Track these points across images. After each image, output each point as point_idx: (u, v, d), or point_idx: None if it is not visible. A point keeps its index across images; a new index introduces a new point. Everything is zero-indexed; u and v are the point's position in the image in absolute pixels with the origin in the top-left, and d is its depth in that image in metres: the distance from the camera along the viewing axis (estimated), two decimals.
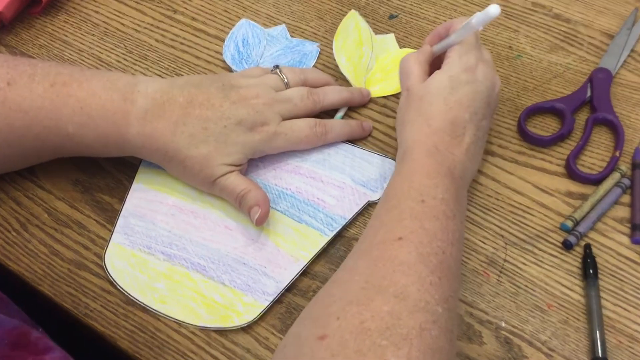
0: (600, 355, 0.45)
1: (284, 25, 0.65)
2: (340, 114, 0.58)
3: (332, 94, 0.57)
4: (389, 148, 0.57)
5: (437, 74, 0.50)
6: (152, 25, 0.66)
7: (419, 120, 0.49)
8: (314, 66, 0.62)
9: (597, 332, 0.46)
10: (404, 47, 0.63)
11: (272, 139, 0.52)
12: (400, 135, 0.50)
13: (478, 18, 0.49)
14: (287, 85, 0.55)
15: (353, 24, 0.63)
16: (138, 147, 0.50)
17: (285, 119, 0.53)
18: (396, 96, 0.60)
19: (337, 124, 0.56)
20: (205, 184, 0.52)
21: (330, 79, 0.58)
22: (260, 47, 0.63)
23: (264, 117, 0.52)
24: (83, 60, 0.63)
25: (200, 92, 0.51)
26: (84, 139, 0.50)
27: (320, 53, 0.62)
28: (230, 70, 0.62)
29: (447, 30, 0.53)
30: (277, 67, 0.56)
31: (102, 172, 0.56)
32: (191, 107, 0.50)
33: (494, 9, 0.48)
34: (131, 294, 0.49)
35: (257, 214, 0.49)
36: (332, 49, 0.61)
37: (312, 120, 0.54)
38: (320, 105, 0.55)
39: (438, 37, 0.54)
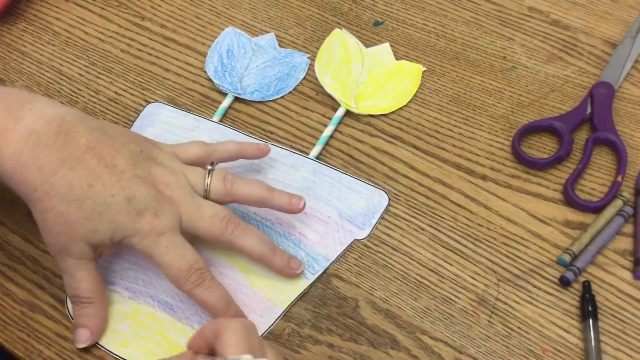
0: None
1: (272, 34, 0.60)
2: (318, 147, 0.53)
3: (252, 238, 0.45)
4: (372, 171, 0.52)
5: None
6: (117, 33, 0.61)
7: None
8: (303, 79, 0.57)
9: None
10: (398, 58, 0.58)
11: (150, 238, 0.43)
12: None
13: None
14: (207, 194, 0.45)
15: (338, 42, 0.58)
16: (8, 173, 0.42)
17: (183, 227, 0.44)
18: (386, 115, 0.55)
19: (217, 292, 0.44)
20: (56, 251, 0.43)
21: (267, 197, 0.46)
22: (246, 58, 0.58)
23: (159, 209, 0.43)
24: (42, 74, 0.58)
25: (109, 144, 0.44)
26: None
27: (309, 65, 0.57)
28: (211, 82, 0.57)
29: (215, 336, 0.37)
30: (213, 165, 0.46)
31: None
32: (89, 154, 0.43)
33: None
34: None
35: (81, 336, 0.44)
36: (314, 59, 0.57)
37: (198, 263, 0.43)
38: (228, 239, 0.45)
39: (204, 341, 0.38)
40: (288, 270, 0.46)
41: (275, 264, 0.46)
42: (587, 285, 0.46)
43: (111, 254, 0.47)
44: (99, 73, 0.59)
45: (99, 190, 0.42)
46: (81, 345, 0.44)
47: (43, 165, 0.42)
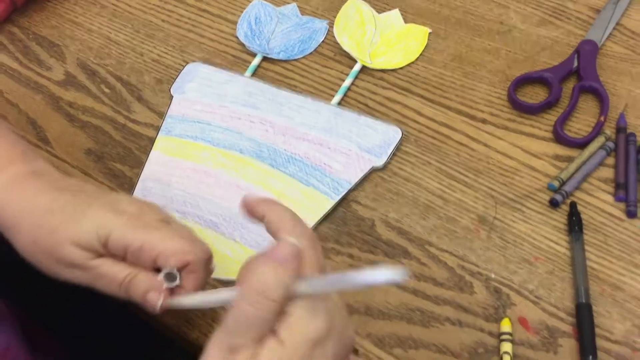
0: (584, 301, 0.48)
1: (294, 4, 0.68)
2: (338, 97, 0.60)
3: None
4: (385, 117, 0.59)
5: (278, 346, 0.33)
6: (158, 6, 0.69)
7: None
8: (323, 42, 0.64)
9: (582, 280, 0.49)
10: (408, 22, 0.66)
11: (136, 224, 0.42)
12: None
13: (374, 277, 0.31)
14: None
15: (353, 9, 0.66)
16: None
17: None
18: (395, 70, 0.62)
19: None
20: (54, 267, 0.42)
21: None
22: (272, 24, 0.66)
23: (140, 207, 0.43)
24: (93, 40, 0.66)
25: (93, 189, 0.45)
26: None
27: (328, 30, 0.65)
28: (242, 46, 0.64)
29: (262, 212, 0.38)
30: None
31: (113, 142, 0.59)
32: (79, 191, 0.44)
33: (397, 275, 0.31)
34: None
35: (156, 298, 0.42)
36: (332, 26, 0.65)
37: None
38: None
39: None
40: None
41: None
42: (573, 205, 0.53)
43: (162, 184, 0.55)
44: (143, 39, 0.66)
45: (80, 198, 0.43)
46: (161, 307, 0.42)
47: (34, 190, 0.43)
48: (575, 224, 0.52)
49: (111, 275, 0.41)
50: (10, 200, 0.42)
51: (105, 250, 0.41)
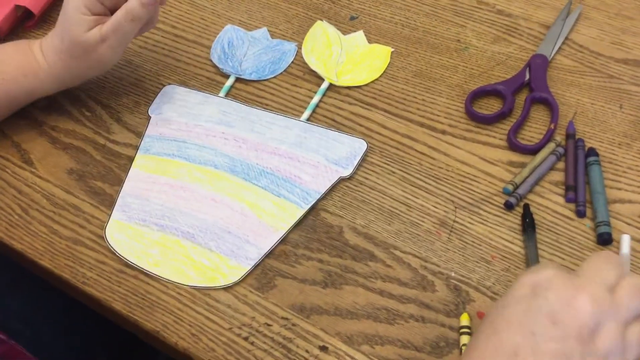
0: None
1: (265, 28, 0.72)
2: (307, 113, 0.64)
3: None
4: (351, 131, 0.63)
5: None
6: None
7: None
8: (292, 63, 0.68)
9: None
10: (371, 43, 0.70)
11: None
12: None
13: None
14: None
15: (320, 31, 0.70)
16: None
17: None
18: (360, 87, 0.66)
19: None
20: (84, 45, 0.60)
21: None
22: (244, 47, 0.70)
23: None
24: None
25: None
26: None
27: (297, 52, 0.69)
28: (216, 69, 0.68)
29: None
30: None
31: (94, 162, 0.62)
32: None
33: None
34: (129, 259, 0.55)
35: None
36: (301, 47, 0.69)
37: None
38: None
39: None
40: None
41: None
42: (526, 207, 0.56)
43: (141, 199, 0.58)
44: (121, 65, 0.70)
45: None
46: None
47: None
48: (528, 225, 0.55)
49: (115, 22, 0.59)
50: (45, 60, 0.62)
51: (103, 7, 0.60)
